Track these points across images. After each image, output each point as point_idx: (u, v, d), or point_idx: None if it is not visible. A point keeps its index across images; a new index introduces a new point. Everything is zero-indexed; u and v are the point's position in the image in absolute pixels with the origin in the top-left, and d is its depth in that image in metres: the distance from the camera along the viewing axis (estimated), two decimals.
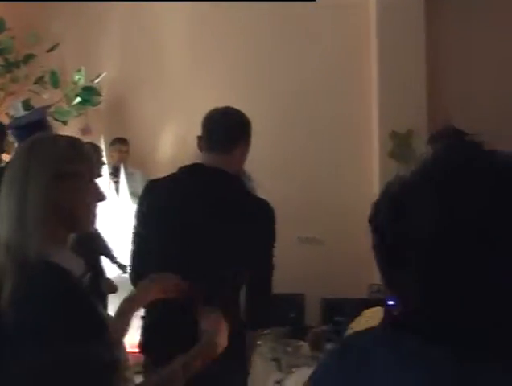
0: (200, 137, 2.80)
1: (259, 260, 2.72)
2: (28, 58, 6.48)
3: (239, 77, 6.69)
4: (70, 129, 6.36)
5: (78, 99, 6.69)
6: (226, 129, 2.75)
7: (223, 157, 2.73)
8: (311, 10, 6.49)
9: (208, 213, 2.64)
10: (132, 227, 2.83)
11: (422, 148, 4.59)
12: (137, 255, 2.79)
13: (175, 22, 6.89)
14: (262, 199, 2.83)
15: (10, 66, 6.49)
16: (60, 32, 6.69)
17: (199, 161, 2.77)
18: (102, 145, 6.64)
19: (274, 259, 2.75)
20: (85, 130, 6.49)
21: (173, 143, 6.88)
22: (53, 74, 6.61)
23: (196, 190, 2.69)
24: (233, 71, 6.72)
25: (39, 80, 6.51)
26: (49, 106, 5.54)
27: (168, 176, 2.82)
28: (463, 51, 6.53)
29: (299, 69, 6.63)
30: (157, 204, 2.72)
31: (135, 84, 6.98)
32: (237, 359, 2.61)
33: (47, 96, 6.47)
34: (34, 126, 4.01)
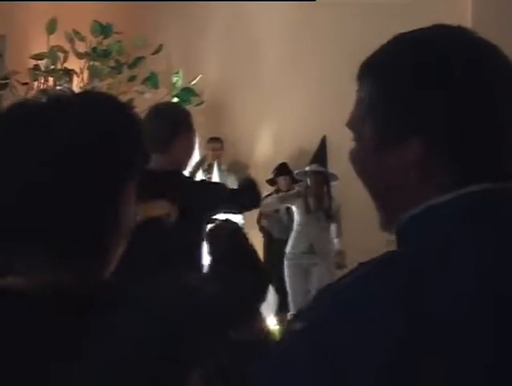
0: None
1: None
2: (137, 60, 6.76)
3: (336, 76, 6.54)
4: None
5: (175, 99, 6.95)
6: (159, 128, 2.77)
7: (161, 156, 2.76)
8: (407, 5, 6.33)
9: None
10: None
11: None
12: None
13: (272, 23, 7.08)
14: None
15: (120, 67, 6.78)
16: (165, 35, 6.98)
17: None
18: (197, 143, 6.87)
19: None
20: None
21: (270, 143, 7.06)
22: (153, 75, 6.89)
23: None
24: (330, 70, 6.65)
25: (145, 81, 6.80)
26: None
27: None
28: None
29: None
30: None
31: (234, 86, 7.21)
32: None
33: (148, 96, 6.72)
34: None
